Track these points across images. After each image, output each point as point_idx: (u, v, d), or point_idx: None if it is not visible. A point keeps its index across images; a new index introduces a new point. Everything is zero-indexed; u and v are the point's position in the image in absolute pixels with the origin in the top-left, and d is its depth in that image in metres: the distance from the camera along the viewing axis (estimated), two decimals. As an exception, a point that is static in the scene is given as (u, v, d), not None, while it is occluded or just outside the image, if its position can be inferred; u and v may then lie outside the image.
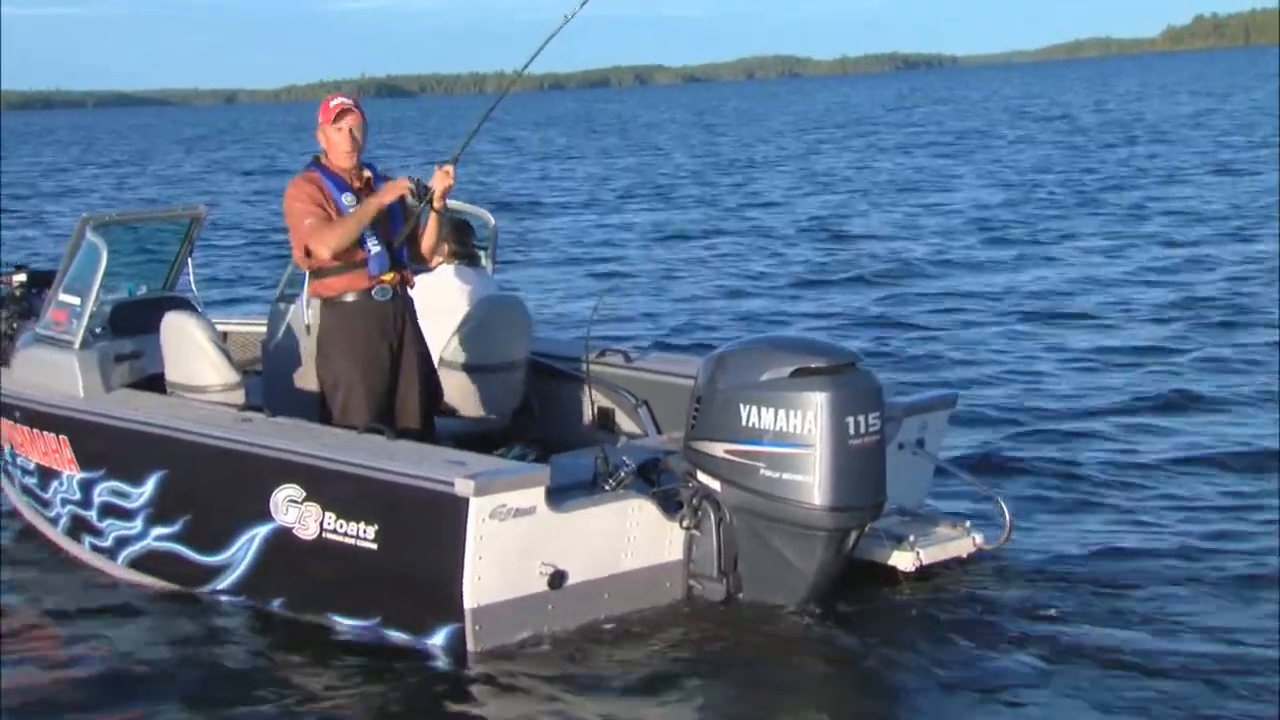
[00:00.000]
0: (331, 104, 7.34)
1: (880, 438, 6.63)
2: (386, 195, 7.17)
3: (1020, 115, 62.19)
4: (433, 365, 7.76)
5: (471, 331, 8.13)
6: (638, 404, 8.24)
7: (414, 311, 7.49)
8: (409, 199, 7.23)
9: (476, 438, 7.82)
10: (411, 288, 7.45)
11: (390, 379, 7.33)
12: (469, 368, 8.14)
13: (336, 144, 7.28)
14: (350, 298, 7.25)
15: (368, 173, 7.35)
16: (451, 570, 6.30)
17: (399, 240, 7.33)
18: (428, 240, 7.47)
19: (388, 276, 7.29)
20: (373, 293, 7.26)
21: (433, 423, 7.59)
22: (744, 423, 6.58)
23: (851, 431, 6.49)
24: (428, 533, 6.39)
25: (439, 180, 7.21)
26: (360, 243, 7.20)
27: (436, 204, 7.27)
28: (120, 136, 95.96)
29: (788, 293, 17.79)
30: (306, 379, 7.63)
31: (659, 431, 8.08)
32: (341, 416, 7.23)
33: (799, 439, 6.48)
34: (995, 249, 20.70)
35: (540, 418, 8.49)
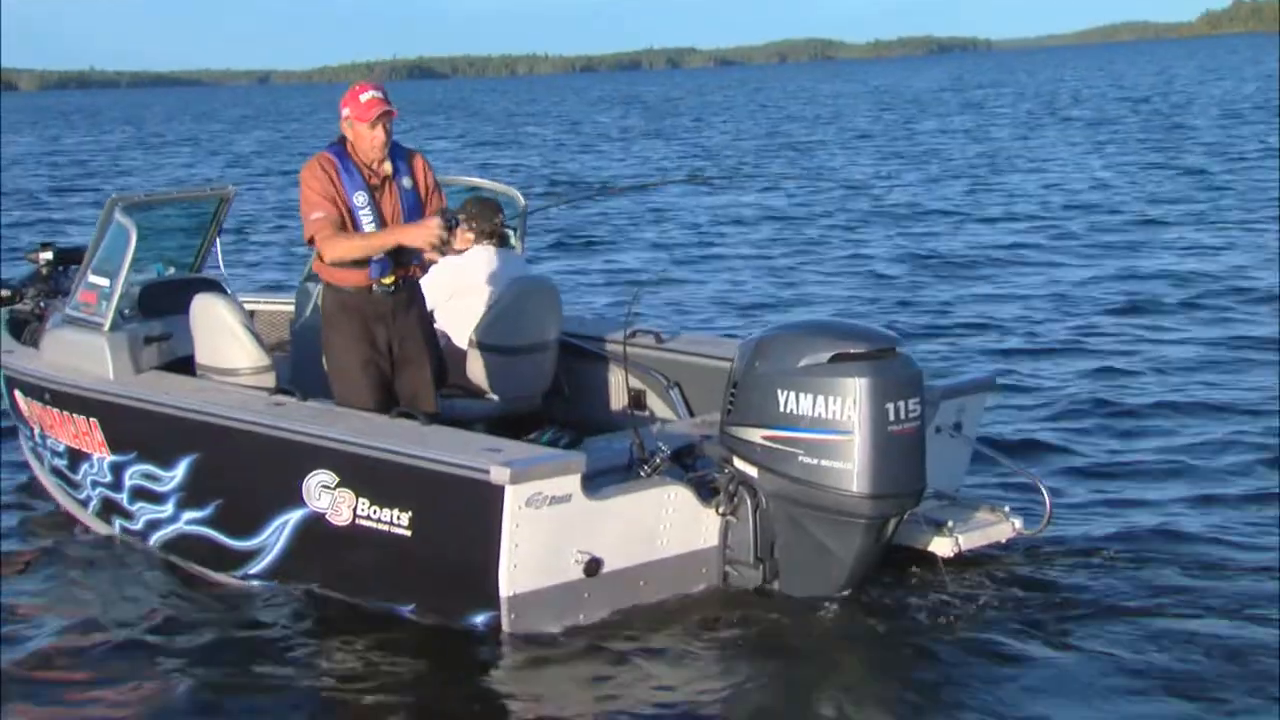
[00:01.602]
0: (363, 97, 7.06)
1: (920, 424, 6.52)
2: (410, 237, 7.02)
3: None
4: (440, 350, 7.68)
5: (502, 312, 8.06)
6: (669, 385, 8.16)
7: (421, 299, 7.42)
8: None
9: (508, 420, 7.76)
10: (419, 278, 7.38)
11: (391, 366, 7.25)
12: (500, 349, 8.07)
13: (368, 140, 7.08)
14: (350, 288, 7.19)
15: (388, 167, 7.18)
16: (487, 558, 6.23)
17: (407, 253, 7.23)
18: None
19: (388, 279, 7.20)
20: (373, 288, 7.19)
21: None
22: (782, 408, 6.48)
23: (891, 418, 6.38)
24: (463, 520, 6.32)
25: (459, 240, 7.39)
26: None
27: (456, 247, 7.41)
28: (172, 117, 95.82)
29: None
30: None
31: (690, 413, 8.00)
32: (341, 403, 7.17)
33: (838, 425, 6.37)
34: (1048, 235, 20.33)
35: (571, 399, 8.42)
